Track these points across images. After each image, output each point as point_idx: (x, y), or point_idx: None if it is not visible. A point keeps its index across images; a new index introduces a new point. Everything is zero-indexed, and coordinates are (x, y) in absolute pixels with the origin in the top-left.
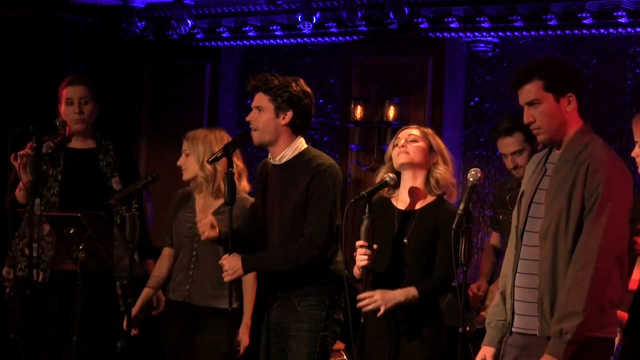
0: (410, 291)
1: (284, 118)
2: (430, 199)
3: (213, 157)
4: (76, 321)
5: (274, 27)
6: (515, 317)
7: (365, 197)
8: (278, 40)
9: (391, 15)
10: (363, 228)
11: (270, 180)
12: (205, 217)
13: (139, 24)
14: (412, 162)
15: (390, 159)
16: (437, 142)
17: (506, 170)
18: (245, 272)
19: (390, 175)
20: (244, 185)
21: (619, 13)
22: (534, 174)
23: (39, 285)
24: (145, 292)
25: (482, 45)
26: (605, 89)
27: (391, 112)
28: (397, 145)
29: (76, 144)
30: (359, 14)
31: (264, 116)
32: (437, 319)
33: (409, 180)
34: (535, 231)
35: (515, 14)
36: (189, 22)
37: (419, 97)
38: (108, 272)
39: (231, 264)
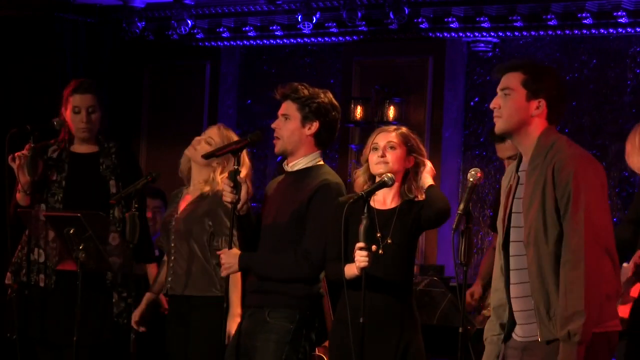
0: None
1: (309, 128)
2: (404, 198)
3: (210, 153)
4: (76, 321)
5: (274, 27)
6: (517, 327)
7: (363, 197)
8: (278, 40)
9: (391, 15)
10: (362, 228)
11: (278, 184)
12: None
13: (139, 24)
14: (390, 171)
15: (367, 160)
16: (414, 142)
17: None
18: (240, 269)
19: (389, 175)
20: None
21: (619, 13)
22: (509, 185)
23: (43, 290)
24: (146, 296)
25: (482, 45)
26: (605, 89)
27: (391, 112)
28: (375, 150)
29: (80, 148)
30: (359, 14)
31: (289, 125)
32: (414, 318)
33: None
34: (520, 240)
35: (515, 14)
36: (189, 22)
37: (419, 97)
38: (106, 273)
39: (228, 258)
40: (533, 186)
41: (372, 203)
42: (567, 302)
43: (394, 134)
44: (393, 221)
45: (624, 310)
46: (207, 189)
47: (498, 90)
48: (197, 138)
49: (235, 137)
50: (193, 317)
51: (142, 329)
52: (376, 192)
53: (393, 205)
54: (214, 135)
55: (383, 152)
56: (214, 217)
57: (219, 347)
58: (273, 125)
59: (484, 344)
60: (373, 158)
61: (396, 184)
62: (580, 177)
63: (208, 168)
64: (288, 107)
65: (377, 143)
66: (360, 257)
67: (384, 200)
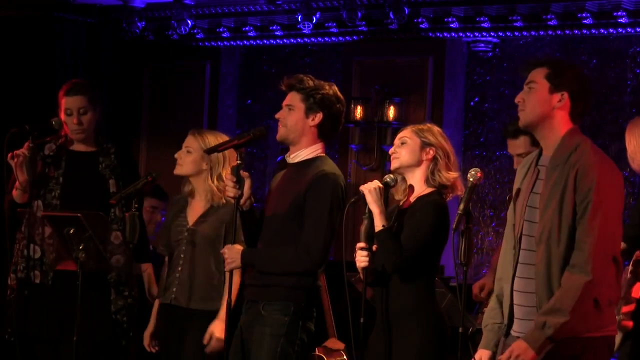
0: (382, 219)
1: (313, 119)
2: (426, 191)
3: (212, 147)
4: (76, 321)
5: (274, 27)
6: (515, 321)
7: (364, 198)
8: (278, 40)
9: (391, 15)
10: (362, 228)
11: (281, 177)
12: (229, 180)
13: (139, 24)
14: (402, 166)
15: None
16: (434, 135)
17: (506, 170)
18: (243, 264)
19: (391, 176)
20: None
21: (619, 13)
22: (526, 177)
23: (38, 287)
24: (155, 306)
25: (482, 45)
26: (605, 89)
27: (391, 112)
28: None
29: (78, 146)
30: (359, 14)
31: (293, 115)
32: (435, 319)
33: (409, 179)
34: (532, 235)
35: (515, 14)
36: (189, 22)
37: (419, 97)
38: (103, 273)
39: (231, 253)
40: (552, 186)
41: (401, 203)
42: (559, 296)
43: (407, 129)
44: (403, 218)
45: (627, 311)
46: (213, 201)
47: (524, 85)
48: (177, 154)
49: (211, 137)
50: (191, 327)
51: (155, 349)
52: (397, 191)
53: (413, 200)
54: (191, 143)
55: (394, 149)
56: (225, 226)
57: (214, 354)
58: (277, 116)
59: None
60: (390, 157)
61: (419, 180)
62: (603, 186)
63: (200, 176)
64: (293, 98)
65: (394, 142)
66: (361, 257)
67: (405, 198)
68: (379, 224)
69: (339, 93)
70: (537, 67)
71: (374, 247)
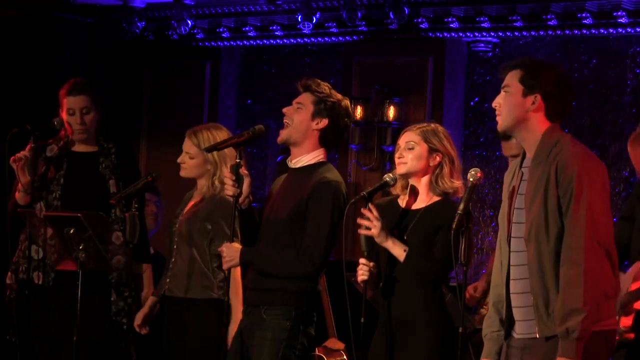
0: (399, 245)
1: (317, 123)
2: (435, 198)
3: (212, 146)
4: (76, 321)
5: (274, 27)
6: (517, 323)
7: (365, 197)
8: (278, 40)
9: (391, 15)
10: (362, 236)
11: (282, 181)
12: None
13: (139, 24)
14: (409, 172)
15: None
16: (440, 140)
17: (506, 170)
18: (241, 263)
19: (391, 175)
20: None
21: (619, 13)
22: (512, 181)
23: (39, 287)
24: (150, 299)
25: (482, 45)
26: (605, 89)
27: (391, 112)
28: (398, 151)
29: (79, 147)
30: (359, 14)
31: (300, 113)
32: (444, 319)
33: (413, 182)
34: (521, 236)
35: (515, 14)
36: (189, 22)
37: (419, 97)
38: (103, 272)
39: (230, 251)
40: (536, 183)
41: (401, 203)
42: (565, 299)
43: (415, 132)
44: (414, 221)
45: (625, 322)
46: (205, 192)
47: (501, 89)
48: (180, 158)
49: (205, 135)
50: (189, 319)
51: (144, 331)
52: (405, 192)
53: (421, 205)
54: (189, 148)
55: (401, 153)
56: (212, 221)
57: (215, 348)
58: (284, 110)
59: (483, 341)
60: (395, 159)
61: (424, 184)
62: (584, 175)
63: (205, 177)
64: (305, 98)
65: (399, 144)
66: (360, 271)
67: (409, 200)
68: (400, 253)
69: (350, 109)
70: (512, 70)
71: (372, 265)
